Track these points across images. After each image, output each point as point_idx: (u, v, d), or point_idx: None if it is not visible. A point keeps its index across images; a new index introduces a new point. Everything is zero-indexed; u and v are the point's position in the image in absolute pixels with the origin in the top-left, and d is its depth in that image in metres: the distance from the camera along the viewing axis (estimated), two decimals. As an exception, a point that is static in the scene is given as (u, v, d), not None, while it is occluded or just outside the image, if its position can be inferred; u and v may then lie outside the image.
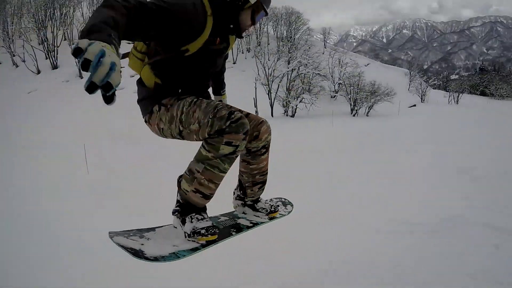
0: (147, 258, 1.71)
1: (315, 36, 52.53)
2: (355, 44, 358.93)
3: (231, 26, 1.95)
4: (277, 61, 27.83)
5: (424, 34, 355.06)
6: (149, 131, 2.16)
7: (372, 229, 5.88)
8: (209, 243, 1.89)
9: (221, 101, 2.50)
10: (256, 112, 25.37)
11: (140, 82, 2.07)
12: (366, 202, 7.37)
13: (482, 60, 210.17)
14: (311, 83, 28.16)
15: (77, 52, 1.03)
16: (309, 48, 32.35)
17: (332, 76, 33.95)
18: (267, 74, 27.15)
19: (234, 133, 1.75)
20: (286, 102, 26.91)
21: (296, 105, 26.88)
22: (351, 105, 29.98)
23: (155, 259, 1.73)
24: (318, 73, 28.24)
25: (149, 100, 2.01)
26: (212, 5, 1.87)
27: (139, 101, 2.09)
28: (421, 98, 47.24)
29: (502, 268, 4.27)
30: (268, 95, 26.94)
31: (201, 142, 1.89)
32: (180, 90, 2.00)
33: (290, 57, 28.43)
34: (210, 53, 1.97)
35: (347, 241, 5.64)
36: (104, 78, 1.02)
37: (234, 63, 40.31)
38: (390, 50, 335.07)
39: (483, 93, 78.64)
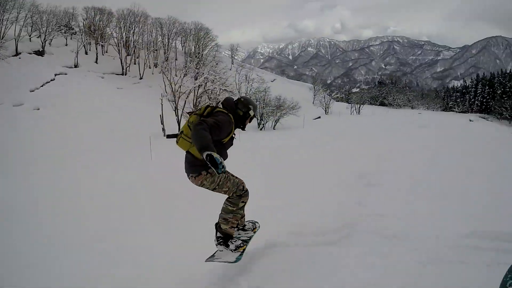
0: (231, 262, 3.83)
1: (223, 53, 53.17)
2: (262, 60, 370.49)
3: (241, 126, 3.84)
4: (183, 76, 27.32)
5: (328, 52, 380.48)
6: None
7: (270, 243, 5.82)
8: (243, 250, 3.95)
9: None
10: (163, 129, 24.67)
11: (190, 154, 3.52)
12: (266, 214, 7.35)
13: (380, 75, 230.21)
14: (218, 99, 28.19)
15: (213, 160, 2.78)
16: (217, 64, 32.72)
17: (239, 92, 34.51)
18: (173, 90, 26.47)
19: (246, 196, 3.81)
20: (193, 119, 26.50)
21: (204, 121, 26.53)
22: (257, 119, 30.57)
23: (234, 261, 3.83)
24: (225, 89, 28.36)
25: (200, 167, 3.46)
26: (234, 118, 3.63)
27: (192, 165, 3.53)
28: (325, 110, 50.02)
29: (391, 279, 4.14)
30: (175, 112, 26.26)
31: (225, 197, 3.78)
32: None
33: (197, 73, 28.22)
34: (231, 140, 3.65)
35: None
36: (223, 168, 2.83)
37: (140, 78, 39.07)
38: (295, 67, 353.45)
39: (382, 104, 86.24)
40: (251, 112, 3.77)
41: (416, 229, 5.40)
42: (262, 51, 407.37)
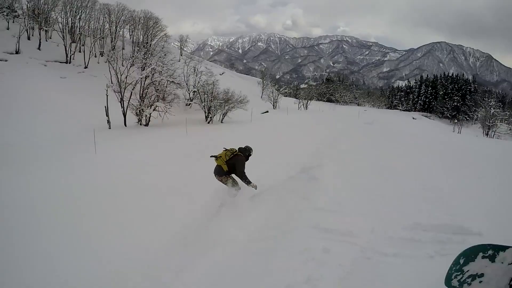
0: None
1: (172, 44, 52.37)
2: (212, 53, 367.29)
3: (247, 160, 7.28)
4: (130, 67, 26.79)
5: (278, 48, 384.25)
6: None
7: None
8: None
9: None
10: (108, 121, 24.20)
11: (221, 168, 6.91)
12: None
13: (328, 72, 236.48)
14: (166, 91, 28.02)
15: (249, 183, 6.96)
16: (165, 55, 32.21)
17: (187, 84, 34.35)
18: (119, 80, 25.91)
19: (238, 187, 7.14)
20: (139, 111, 26.18)
21: (150, 113, 26.34)
22: (205, 112, 30.72)
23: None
24: (172, 81, 28.20)
25: (226, 174, 6.98)
26: (245, 157, 7.19)
27: (222, 173, 6.94)
28: (273, 105, 50.97)
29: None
30: (121, 103, 25.77)
31: (230, 184, 7.04)
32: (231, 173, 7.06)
33: (145, 64, 27.79)
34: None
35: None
36: (249, 184, 7.05)
37: (85, 67, 37.80)
38: (245, 61, 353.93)
39: (329, 100, 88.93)
40: (251, 153, 7.38)
41: (355, 223, 5.59)
42: (212, 44, 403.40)
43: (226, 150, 7.03)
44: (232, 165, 6.88)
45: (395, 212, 6.15)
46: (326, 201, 6.89)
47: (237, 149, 7.12)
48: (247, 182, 6.85)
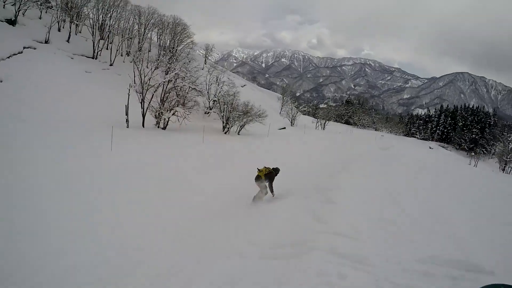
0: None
1: (197, 51, 53.06)
2: (235, 64, 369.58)
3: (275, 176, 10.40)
4: (154, 69, 27.07)
5: (301, 65, 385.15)
6: None
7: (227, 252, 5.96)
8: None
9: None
10: (127, 120, 24.35)
11: (261, 178, 9.84)
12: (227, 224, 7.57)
13: (349, 94, 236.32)
14: (186, 97, 28.19)
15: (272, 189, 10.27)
16: (189, 61, 32.48)
17: (208, 93, 34.62)
18: (142, 81, 26.15)
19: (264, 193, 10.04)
20: (158, 113, 26.37)
21: (169, 117, 26.48)
22: (223, 122, 30.78)
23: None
24: (194, 88, 28.37)
25: (262, 181, 9.88)
26: (276, 174, 10.38)
27: (261, 180, 9.86)
28: (291, 122, 50.90)
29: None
30: (141, 104, 25.99)
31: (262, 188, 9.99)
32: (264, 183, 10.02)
33: (169, 68, 28.03)
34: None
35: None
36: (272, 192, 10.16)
37: (111, 64, 38.38)
38: (267, 75, 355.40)
39: (347, 122, 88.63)
40: (278, 173, 10.29)
41: (371, 251, 5.55)
42: (236, 55, 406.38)
43: (266, 167, 10.14)
44: (267, 177, 9.97)
45: (409, 242, 6.13)
46: (342, 225, 6.82)
47: (271, 168, 10.25)
48: (271, 190, 10.02)
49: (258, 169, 10.07)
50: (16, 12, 32.49)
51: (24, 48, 29.97)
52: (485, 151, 73.71)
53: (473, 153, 64.41)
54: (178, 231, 6.82)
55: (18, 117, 18.49)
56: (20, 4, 32.47)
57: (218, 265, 5.38)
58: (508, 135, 59.76)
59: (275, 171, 10.35)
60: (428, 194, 10.88)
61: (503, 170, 51.72)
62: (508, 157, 53.50)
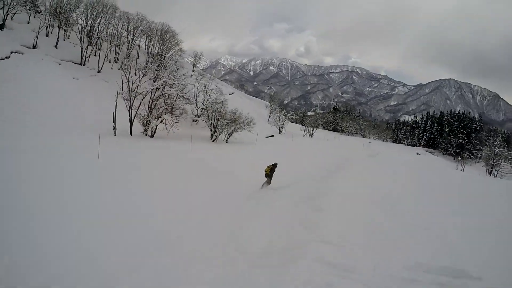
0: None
1: (186, 59, 52.99)
2: (223, 72, 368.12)
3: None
4: (142, 77, 27.00)
5: (289, 73, 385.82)
6: None
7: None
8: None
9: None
10: (114, 128, 24.29)
11: (268, 175, 13.30)
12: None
13: (336, 101, 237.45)
14: (174, 105, 28.23)
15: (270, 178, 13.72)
16: (178, 69, 32.52)
17: (196, 100, 34.64)
18: (130, 89, 26.05)
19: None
20: (146, 121, 26.37)
21: (157, 125, 26.48)
22: (211, 130, 30.85)
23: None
24: (182, 96, 28.42)
25: (269, 176, 13.33)
26: (274, 168, 13.80)
27: (268, 176, 13.30)
28: (279, 130, 51.15)
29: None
30: (129, 112, 25.90)
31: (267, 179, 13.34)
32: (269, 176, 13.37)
33: (157, 75, 28.03)
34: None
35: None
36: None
37: (98, 71, 38.19)
38: (255, 83, 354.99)
39: (335, 129, 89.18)
40: (276, 166, 13.52)
41: (358, 259, 5.66)
42: (224, 63, 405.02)
43: (268, 166, 13.36)
44: (270, 171, 13.18)
45: (397, 250, 6.19)
46: (330, 232, 6.90)
47: (272, 165, 13.46)
48: (271, 178, 13.20)
49: (268, 166, 13.41)
50: (4, 16, 32.22)
51: (11, 53, 29.83)
52: (471, 156, 74.92)
53: (460, 158, 65.50)
54: (170, 238, 6.90)
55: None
56: (9, 8, 32.26)
57: (209, 273, 5.47)
58: (494, 140, 61.09)
59: (274, 166, 13.53)
60: (415, 200, 11.10)
61: (490, 173, 52.67)
62: (494, 160, 54.49)
